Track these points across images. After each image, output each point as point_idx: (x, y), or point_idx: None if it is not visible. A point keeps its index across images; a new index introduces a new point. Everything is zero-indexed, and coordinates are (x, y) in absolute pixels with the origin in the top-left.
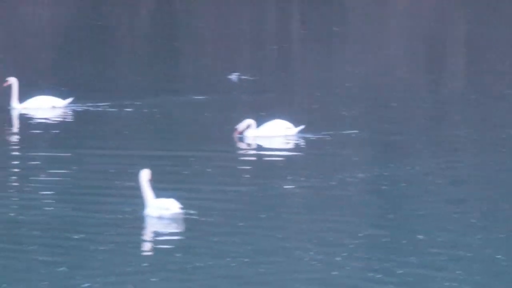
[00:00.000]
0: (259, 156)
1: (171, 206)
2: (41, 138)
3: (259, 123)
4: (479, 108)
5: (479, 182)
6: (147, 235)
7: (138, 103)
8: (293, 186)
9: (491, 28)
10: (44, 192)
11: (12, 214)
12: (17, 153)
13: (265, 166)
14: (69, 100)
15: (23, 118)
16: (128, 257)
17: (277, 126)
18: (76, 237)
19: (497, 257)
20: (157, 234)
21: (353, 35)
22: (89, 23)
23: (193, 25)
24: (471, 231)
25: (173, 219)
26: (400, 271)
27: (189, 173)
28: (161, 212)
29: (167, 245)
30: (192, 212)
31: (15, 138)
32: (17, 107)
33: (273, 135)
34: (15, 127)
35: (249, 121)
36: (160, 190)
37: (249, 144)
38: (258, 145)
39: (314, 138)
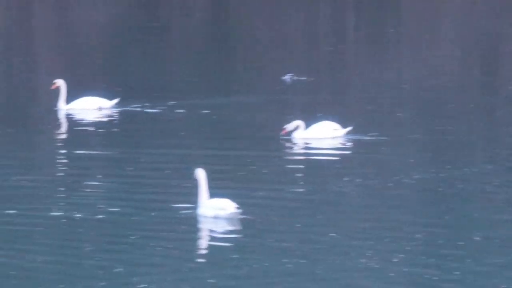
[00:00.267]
0: (311, 157)
1: (227, 206)
2: (93, 138)
3: (310, 123)
4: None
5: None
6: (203, 235)
7: (192, 104)
8: (349, 187)
9: None
10: (97, 192)
11: (67, 215)
12: (66, 153)
13: (318, 166)
14: (116, 100)
15: (69, 119)
16: (184, 257)
17: (325, 127)
18: (132, 237)
19: None
20: (213, 234)
21: (408, 36)
22: (145, 24)
23: (248, 26)
24: None
25: (228, 219)
26: (457, 273)
27: (241, 173)
28: (217, 212)
29: (223, 244)
30: (247, 211)
31: (62, 138)
32: (63, 108)
33: (321, 137)
34: (62, 128)
35: (298, 122)
36: (212, 189)
37: (298, 145)
38: (308, 146)
39: (366, 139)
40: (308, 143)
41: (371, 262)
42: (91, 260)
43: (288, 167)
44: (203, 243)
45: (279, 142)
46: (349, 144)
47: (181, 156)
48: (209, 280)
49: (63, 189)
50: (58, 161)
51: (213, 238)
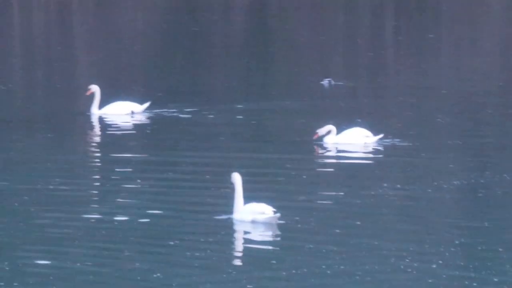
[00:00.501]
0: (345, 160)
1: (265, 210)
2: (128, 142)
3: (344, 128)
4: None
5: None
6: (241, 240)
7: (230, 108)
8: (386, 190)
9: None
10: (134, 196)
11: (105, 218)
12: (102, 156)
13: (353, 170)
14: (147, 104)
15: (102, 123)
16: (223, 261)
17: (356, 134)
18: (170, 241)
19: None
20: (251, 239)
21: (448, 41)
22: (184, 29)
23: (287, 31)
24: None
25: (266, 223)
26: (496, 280)
27: (276, 177)
28: (255, 216)
29: (262, 250)
30: (284, 215)
31: (97, 142)
32: (96, 113)
33: (352, 143)
34: (96, 132)
35: (330, 127)
36: (247, 192)
37: (330, 150)
38: (341, 150)
39: (401, 145)
40: (340, 148)
41: (411, 266)
42: (130, 264)
43: (323, 171)
44: (241, 246)
45: (312, 146)
46: (384, 150)
47: (217, 159)
48: (248, 285)
49: (101, 192)
50: (95, 165)
51: (251, 242)
